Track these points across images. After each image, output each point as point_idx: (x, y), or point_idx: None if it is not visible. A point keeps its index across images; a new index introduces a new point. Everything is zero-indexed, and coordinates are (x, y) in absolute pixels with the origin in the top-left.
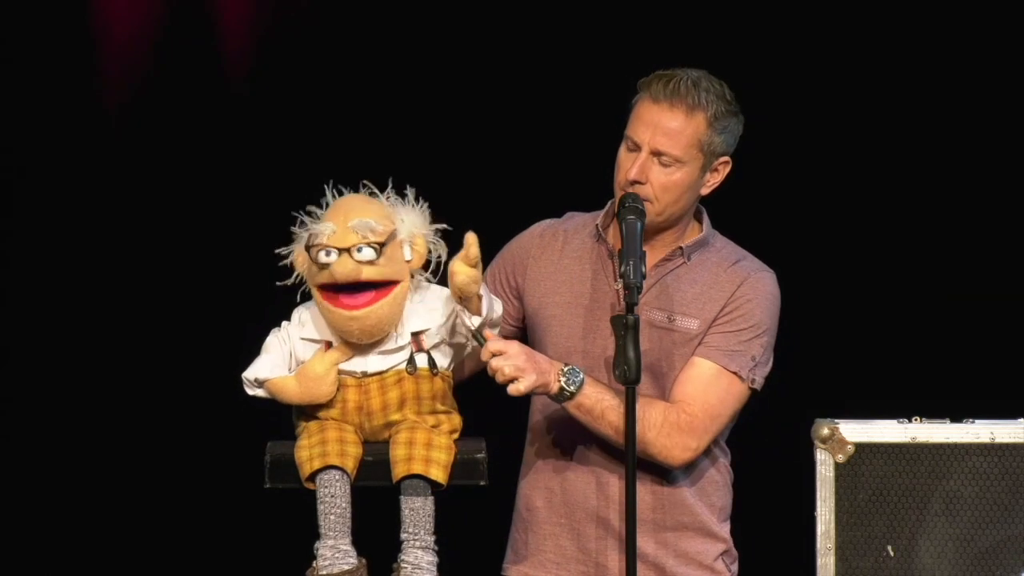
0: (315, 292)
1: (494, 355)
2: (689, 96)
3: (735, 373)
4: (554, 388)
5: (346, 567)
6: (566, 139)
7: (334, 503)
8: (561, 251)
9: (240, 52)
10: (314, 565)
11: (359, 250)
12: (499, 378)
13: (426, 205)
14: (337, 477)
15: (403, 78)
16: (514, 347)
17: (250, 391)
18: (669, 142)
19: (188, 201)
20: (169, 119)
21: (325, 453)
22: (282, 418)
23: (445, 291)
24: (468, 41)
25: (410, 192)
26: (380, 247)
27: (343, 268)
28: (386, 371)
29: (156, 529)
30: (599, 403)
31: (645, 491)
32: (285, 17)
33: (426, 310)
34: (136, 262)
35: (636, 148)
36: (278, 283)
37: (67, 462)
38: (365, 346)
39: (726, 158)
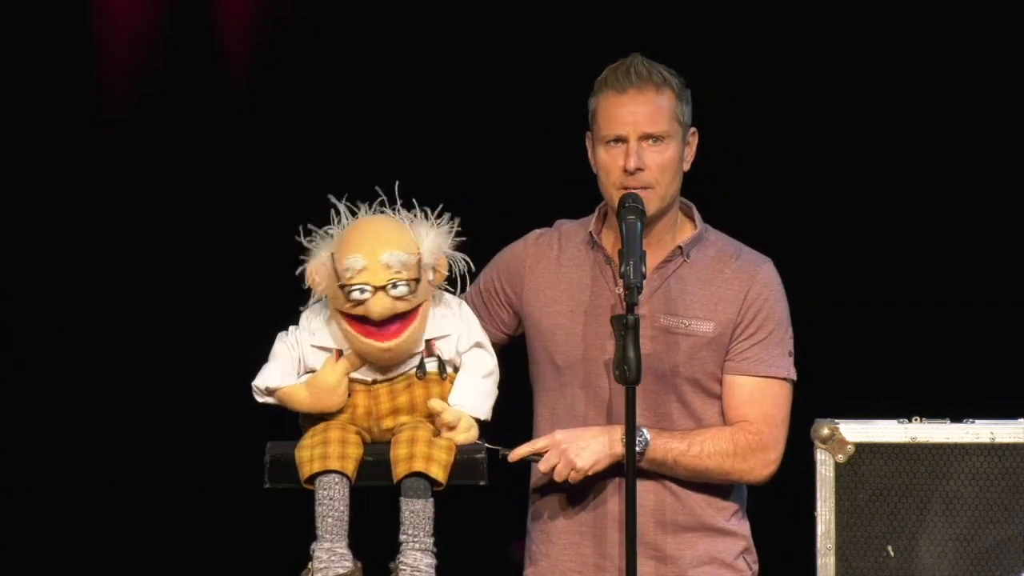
0: (341, 319)
1: (531, 459)
2: (651, 75)
3: (783, 378)
4: (621, 451)
5: (341, 571)
6: (560, 146)
7: (332, 506)
8: (558, 259)
9: (240, 52)
10: (309, 567)
11: (394, 286)
12: (558, 479)
13: (445, 220)
14: (336, 480)
15: (403, 79)
16: (543, 442)
17: (260, 399)
18: (653, 120)
19: (188, 202)
20: (169, 120)
21: (326, 455)
22: (282, 418)
23: (455, 299)
24: (469, 40)
25: (426, 211)
26: (415, 283)
27: (380, 306)
28: (396, 376)
29: (156, 529)
30: (668, 453)
31: (664, 493)
32: (285, 18)
33: (439, 316)
34: (137, 263)
35: (620, 141)
36: (301, 308)
37: (68, 462)
38: None
39: (694, 128)
